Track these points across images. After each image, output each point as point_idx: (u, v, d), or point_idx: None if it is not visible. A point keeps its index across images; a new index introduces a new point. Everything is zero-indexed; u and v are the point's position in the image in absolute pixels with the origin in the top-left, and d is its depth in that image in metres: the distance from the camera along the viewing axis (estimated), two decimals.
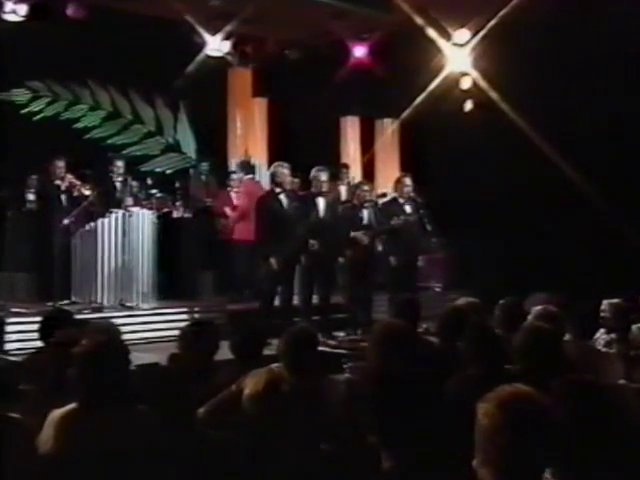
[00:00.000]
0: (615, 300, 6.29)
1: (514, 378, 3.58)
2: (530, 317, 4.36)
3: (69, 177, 8.95)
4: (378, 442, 2.33)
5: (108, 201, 8.83)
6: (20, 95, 10.77)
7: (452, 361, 4.01)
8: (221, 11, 10.31)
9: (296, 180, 9.53)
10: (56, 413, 3.13)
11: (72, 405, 3.16)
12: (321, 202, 8.06)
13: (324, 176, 8.11)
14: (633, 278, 8.69)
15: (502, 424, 1.94)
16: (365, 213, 8.54)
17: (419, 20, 10.35)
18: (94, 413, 3.12)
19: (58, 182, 9.01)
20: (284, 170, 7.82)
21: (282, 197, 7.86)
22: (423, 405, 2.34)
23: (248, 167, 9.64)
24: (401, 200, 8.55)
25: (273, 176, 7.92)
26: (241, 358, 4.02)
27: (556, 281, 8.64)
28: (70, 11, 9.19)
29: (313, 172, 8.09)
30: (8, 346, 7.04)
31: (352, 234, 8.24)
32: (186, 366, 4.27)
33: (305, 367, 3.65)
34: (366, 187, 8.83)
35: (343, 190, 10.39)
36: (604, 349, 4.55)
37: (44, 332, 4.61)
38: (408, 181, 8.50)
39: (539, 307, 4.43)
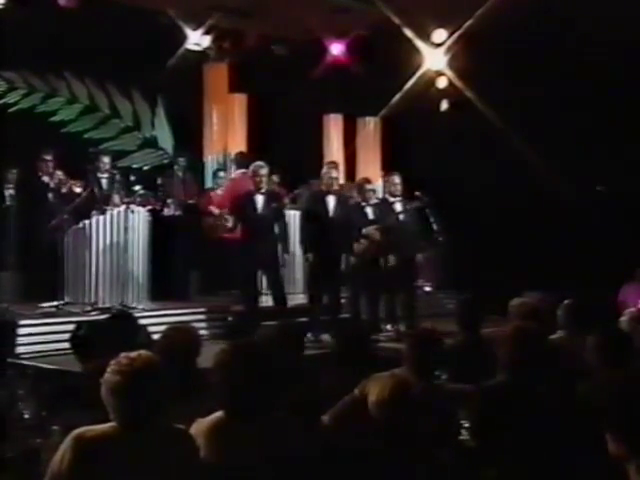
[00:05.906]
0: None
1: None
2: (624, 319, 4.33)
3: (58, 173, 8.64)
4: (627, 452, 2.23)
5: (103, 198, 8.51)
6: None
7: None
8: (208, 4, 10.07)
9: (275, 178, 9.37)
10: (203, 423, 2.95)
11: (218, 414, 2.99)
12: (331, 200, 7.92)
13: (335, 173, 8.00)
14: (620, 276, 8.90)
15: None
16: (369, 210, 8.47)
17: (398, 19, 10.34)
18: (243, 421, 2.95)
19: (46, 178, 8.70)
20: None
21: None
22: None
23: (242, 161, 9.25)
24: (391, 199, 8.32)
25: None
26: (348, 361, 3.87)
27: (546, 279, 8.78)
28: (62, 0, 8.82)
29: (324, 169, 8.01)
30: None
31: (364, 230, 8.09)
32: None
33: (433, 369, 3.54)
34: (369, 185, 8.75)
35: None
36: None
37: (105, 335, 4.35)
38: (397, 179, 8.29)
39: (632, 309, 4.41)
